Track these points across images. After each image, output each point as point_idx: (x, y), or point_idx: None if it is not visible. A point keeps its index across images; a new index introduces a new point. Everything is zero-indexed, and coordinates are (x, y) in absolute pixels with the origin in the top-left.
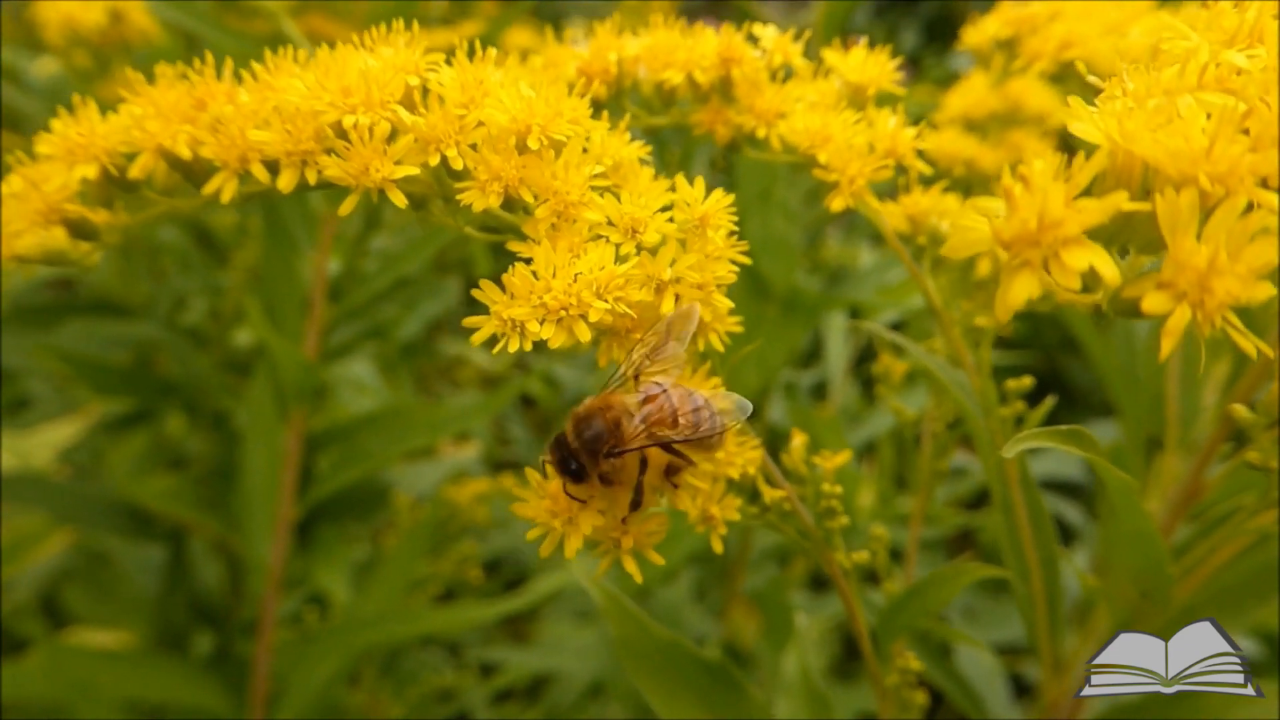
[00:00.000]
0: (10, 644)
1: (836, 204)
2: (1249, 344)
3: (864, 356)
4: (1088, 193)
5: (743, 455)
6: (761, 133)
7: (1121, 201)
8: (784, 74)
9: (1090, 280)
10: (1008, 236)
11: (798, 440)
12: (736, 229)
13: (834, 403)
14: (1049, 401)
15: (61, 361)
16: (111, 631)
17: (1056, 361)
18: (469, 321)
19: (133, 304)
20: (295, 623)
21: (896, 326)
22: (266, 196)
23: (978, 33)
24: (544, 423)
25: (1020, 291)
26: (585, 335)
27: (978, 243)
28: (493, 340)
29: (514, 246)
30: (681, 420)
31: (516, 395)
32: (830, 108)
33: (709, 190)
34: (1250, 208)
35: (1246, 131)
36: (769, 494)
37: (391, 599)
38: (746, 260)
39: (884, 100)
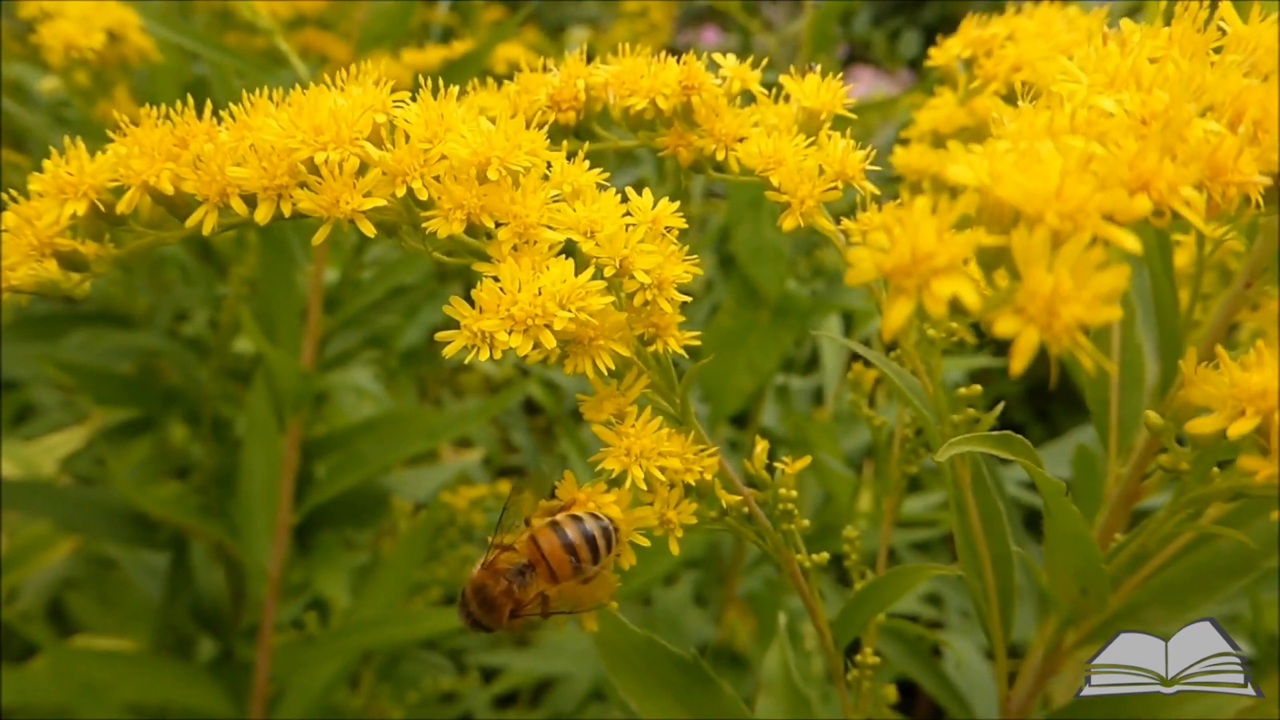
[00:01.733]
0: (18, 650)
1: (788, 224)
2: (1090, 362)
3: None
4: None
5: (700, 462)
6: (720, 155)
7: (980, 237)
8: (742, 99)
9: (959, 306)
10: (889, 267)
11: (759, 447)
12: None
13: (829, 407)
14: (999, 408)
15: (64, 371)
16: (116, 639)
17: (1060, 364)
18: (441, 336)
19: (135, 315)
20: (296, 628)
21: None
22: (247, 226)
23: (943, 53)
24: (547, 428)
25: (898, 316)
26: (550, 343)
27: (867, 272)
28: None
29: (479, 268)
30: (560, 573)
31: (518, 401)
32: (787, 131)
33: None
34: (1095, 241)
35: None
36: (725, 499)
37: (390, 603)
38: (699, 270)
39: (839, 123)
